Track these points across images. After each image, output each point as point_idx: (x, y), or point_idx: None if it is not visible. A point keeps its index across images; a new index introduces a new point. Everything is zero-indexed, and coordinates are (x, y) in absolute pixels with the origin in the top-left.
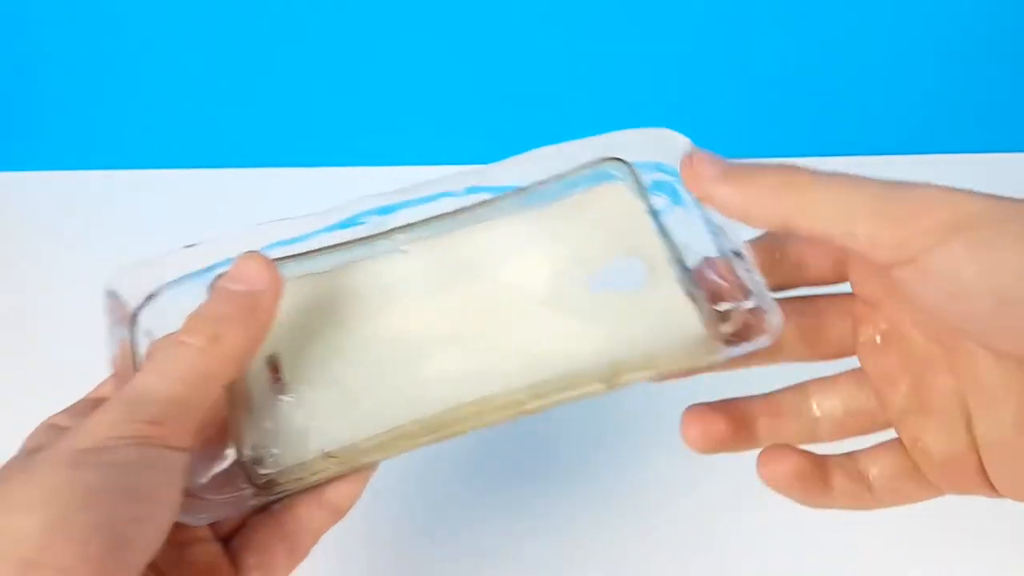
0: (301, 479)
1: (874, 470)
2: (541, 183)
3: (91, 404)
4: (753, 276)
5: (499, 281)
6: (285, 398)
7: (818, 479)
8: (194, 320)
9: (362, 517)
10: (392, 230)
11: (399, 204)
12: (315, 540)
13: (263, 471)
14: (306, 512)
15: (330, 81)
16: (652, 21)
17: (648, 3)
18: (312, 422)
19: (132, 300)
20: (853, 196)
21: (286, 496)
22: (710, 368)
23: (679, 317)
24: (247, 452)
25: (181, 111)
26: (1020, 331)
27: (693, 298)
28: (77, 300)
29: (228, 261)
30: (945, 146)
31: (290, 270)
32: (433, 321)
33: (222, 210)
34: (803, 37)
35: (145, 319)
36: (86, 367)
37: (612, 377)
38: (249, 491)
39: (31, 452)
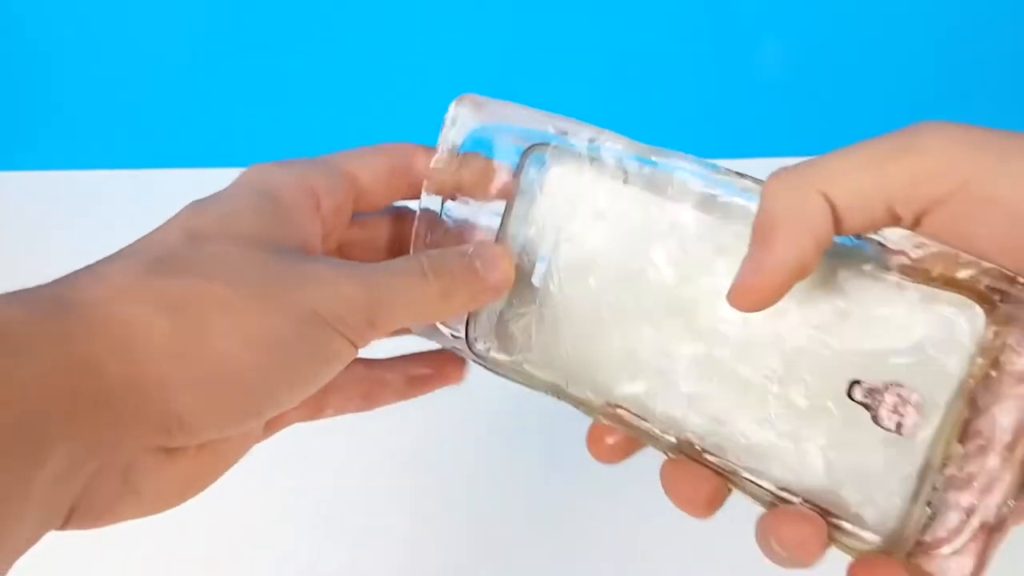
0: (493, 368)
1: None
2: None
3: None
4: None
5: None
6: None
7: None
8: (446, 268)
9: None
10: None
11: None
12: (390, 402)
13: (474, 349)
14: (392, 377)
15: (330, 82)
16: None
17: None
18: (521, 335)
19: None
20: (870, 151)
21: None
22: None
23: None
24: (471, 331)
25: (180, 111)
26: None
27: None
28: None
29: (554, 137)
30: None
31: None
32: (692, 309)
33: None
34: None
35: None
36: None
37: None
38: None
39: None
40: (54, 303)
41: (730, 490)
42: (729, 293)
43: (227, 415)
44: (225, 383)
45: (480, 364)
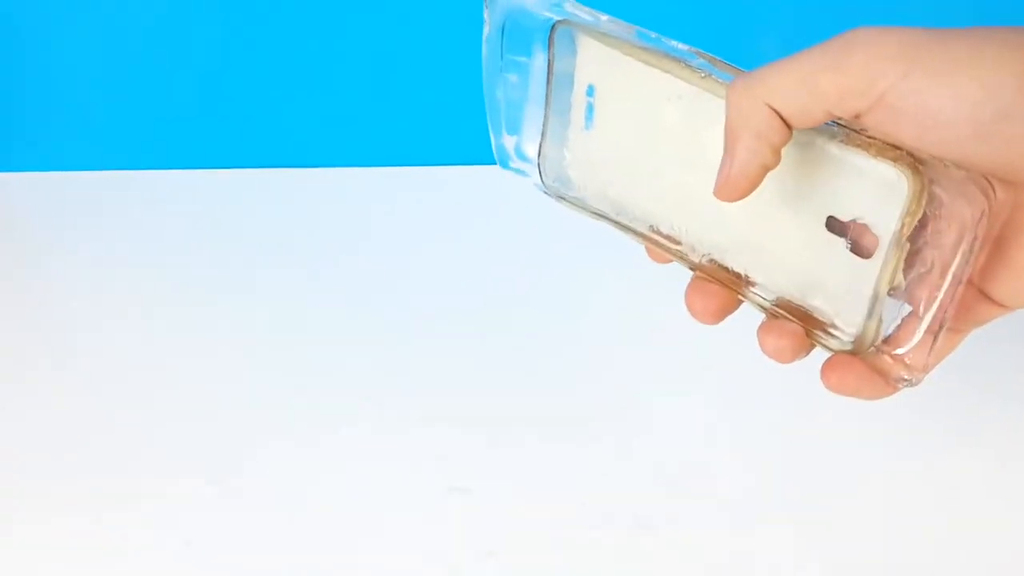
0: (559, 199)
1: None
2: None
3: None
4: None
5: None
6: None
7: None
8: None
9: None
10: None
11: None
12: None
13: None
14: None
15: (330, 82)
16: None
17: None
18: (577, 176)
19: None
20: (806, 66)
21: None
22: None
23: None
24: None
25: (181, 111)
26: (998, 153)
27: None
28: (77, 298)
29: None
30: None
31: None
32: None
33: (221, 210)
34: None
35: None
36: (85, 362)
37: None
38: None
39: None
40: None
41: (738, 303)
42: (714, 188)
43: None
44: None
45: (553, 199)
